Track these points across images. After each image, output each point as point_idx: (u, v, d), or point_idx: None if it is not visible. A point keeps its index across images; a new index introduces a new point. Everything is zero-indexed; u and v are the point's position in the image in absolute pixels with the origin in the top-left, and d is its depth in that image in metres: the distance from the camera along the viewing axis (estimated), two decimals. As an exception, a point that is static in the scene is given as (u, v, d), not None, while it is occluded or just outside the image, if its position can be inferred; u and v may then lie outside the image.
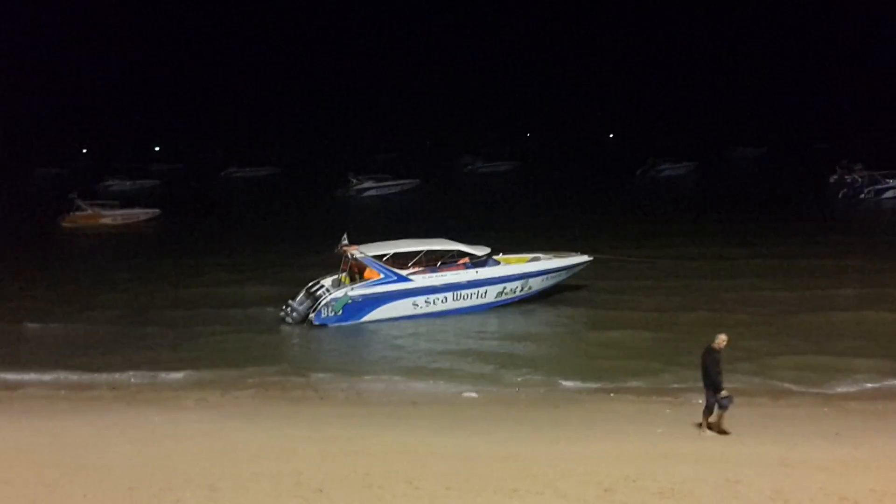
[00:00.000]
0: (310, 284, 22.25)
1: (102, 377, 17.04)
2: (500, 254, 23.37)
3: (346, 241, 21.95)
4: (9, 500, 9.02)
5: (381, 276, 21.46)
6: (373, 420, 13.51)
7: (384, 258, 21.75)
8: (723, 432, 12.00)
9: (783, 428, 12.63)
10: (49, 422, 13.39)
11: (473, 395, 15.66)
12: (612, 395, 15.39)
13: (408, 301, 21.54)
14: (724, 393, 11.66)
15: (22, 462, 10.52)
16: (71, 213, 46.72)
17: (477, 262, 22.44)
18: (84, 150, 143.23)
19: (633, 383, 15.84)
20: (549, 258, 23.11)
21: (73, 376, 17.23)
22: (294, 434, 12.25)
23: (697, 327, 18.67)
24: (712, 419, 12.08)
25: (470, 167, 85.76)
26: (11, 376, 17.28)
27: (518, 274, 22.44)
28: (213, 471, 10.09)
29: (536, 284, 22.68)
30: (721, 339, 11.85)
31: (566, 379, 16.24)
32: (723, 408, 11.81)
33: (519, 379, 16.47)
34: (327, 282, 22.10)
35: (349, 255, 21.80)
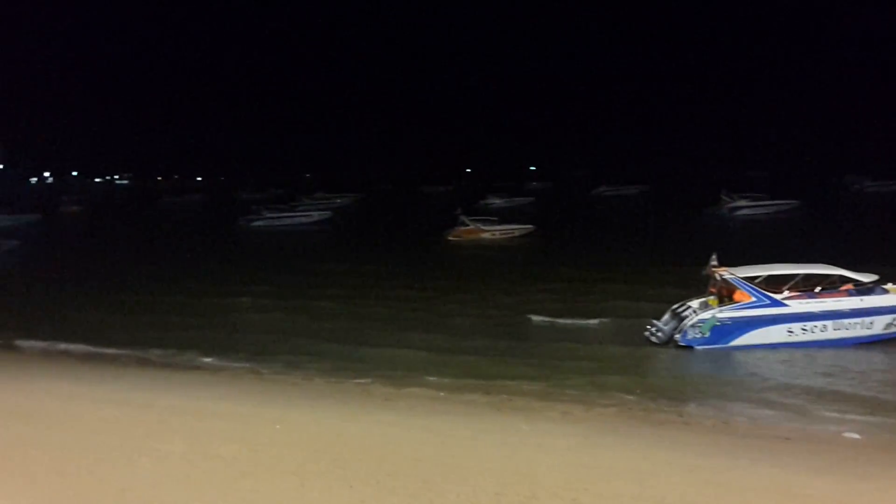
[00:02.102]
0: (675, 305, 21.81)
1: (478, 382, 18.15)
2: (891, 283, 21.02)
3: (715, 262, 21.21)
4: (391, 491, 9.97)
5: (753, 299, 20.37)
6: (740, 452, 12.83)
7: (756, 280, 20.64)
8: None
9: None
10: (429, 420, 14.50)
11: (855, 436, 14.20)
12: None
13: (782, 327, 20.19)
14: None
15: (405, 457, 11.53)
16: (456, 228, 50.70)
17: (862, 290, 20.39)
18: (468, 170, 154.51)
19: None
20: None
21: (447, 380, 18.42)
22: (656, 457, 12.06)
23: None
24: None
25: (857, 186, 78.11)
26: (398, 373, 19.15)
27: (913, 304, 20.02)
28: (576, 485, 10.27)
29: (936, 320, 20.04)
30: None
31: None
32: None
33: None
34: (694, 303, 21.49)
35: (718, 277, 21.03)
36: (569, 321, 24.09)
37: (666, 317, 21.65)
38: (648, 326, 21.57)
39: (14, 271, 43.57)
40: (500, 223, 52.23)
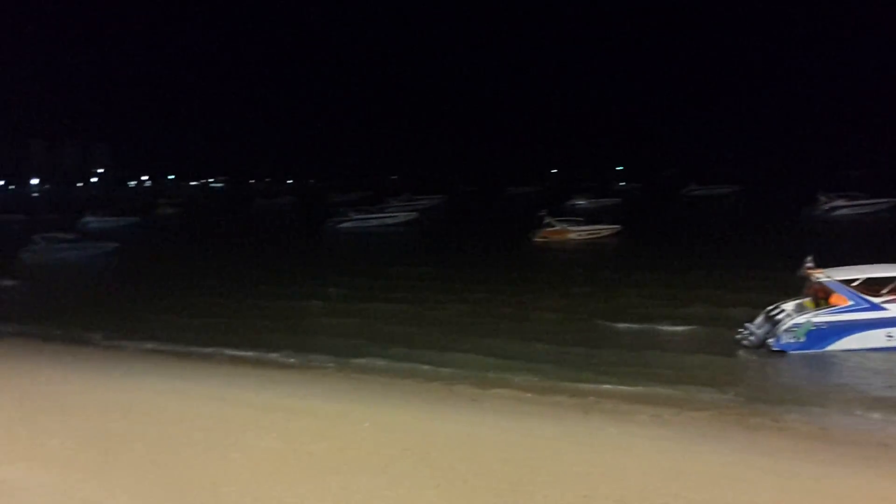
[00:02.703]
0: (769, 308, 21.19)
1: (564, 384, 18.01)
2: None
3: (810, 263, 20.53)
4: (478, 492, 9.98)
5: (850, 302, 19.62)
6: (837, 459, 12.38)
7: (854, 283, 19.89)
8: None
9: None
10: (515, 421, 14.46)
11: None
12: None
13: (880, 332, 19.38)
14: None
15: (492, 458, 11.52)
16: (542, 229, 50.42)
17: (967, 292, 19.45)
18: (553, 171, 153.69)
19: None
20: None
21: (533, 382, 18.32)
22: (750, 463, 11.73)
23: None
24: None
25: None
26: (484, 374, 19.18)
27: None
28: (665, 490, 10.09)
29: None
30: None
31: None
32: None
33: None
34: (789, 306, 20.83)
35: (814, 279, 20.34)
36: (658, 325, 23.67)
37: (759, 320, 21.06)
38: (741, 330, 21.03)
39: (113, 272, 45.42)
40: (586, 224, 51.74)
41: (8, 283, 38.62)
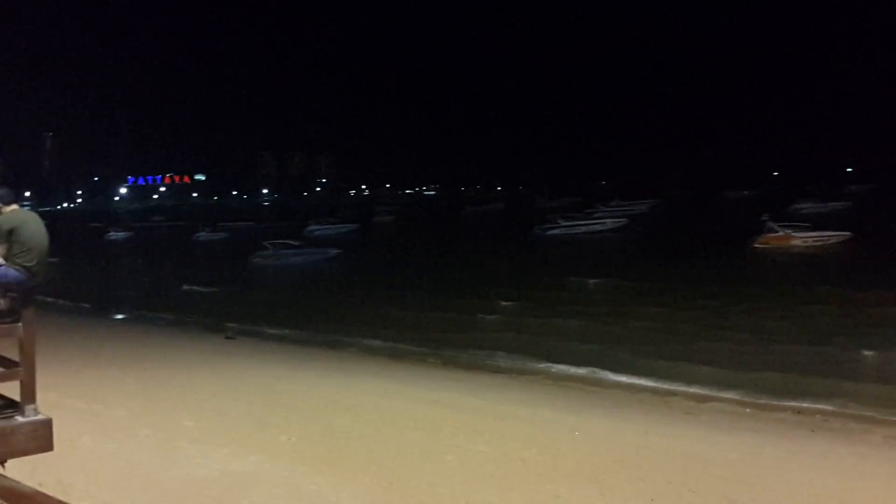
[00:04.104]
0: None
1: (787, 401, 17.01)
2: None
3: None
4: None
5: None
6: None
7: None
8: None
9: None
10: (733, 437, 13.80)
11: None
12: None
13: None
14: None
15: (709, 474, 11.07)
16: (763, 235, 47.94)
17: None
18: (775, 173, 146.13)
19: None
20: None
21: (752, 396, 17.50)
22: None
23: None
24: None
25: None
26: (699, 386, 18.51)
27: None
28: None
29: None
30: None
31: None
32: None
33: None
34: None
35: None
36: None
37: None
38: None
39: (336, 276, 48.09)
40: (812, 230, 48.56)
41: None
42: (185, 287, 43.69)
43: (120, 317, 34.41)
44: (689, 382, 18.82)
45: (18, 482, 1.84)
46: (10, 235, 7.66)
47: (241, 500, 9.42)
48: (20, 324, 7.24)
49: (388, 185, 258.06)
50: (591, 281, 37.44)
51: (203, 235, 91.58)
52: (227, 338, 26.75)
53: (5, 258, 7.69)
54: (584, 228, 69.78)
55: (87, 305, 36.66)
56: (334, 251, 57.91)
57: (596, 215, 78.94)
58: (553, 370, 20.79)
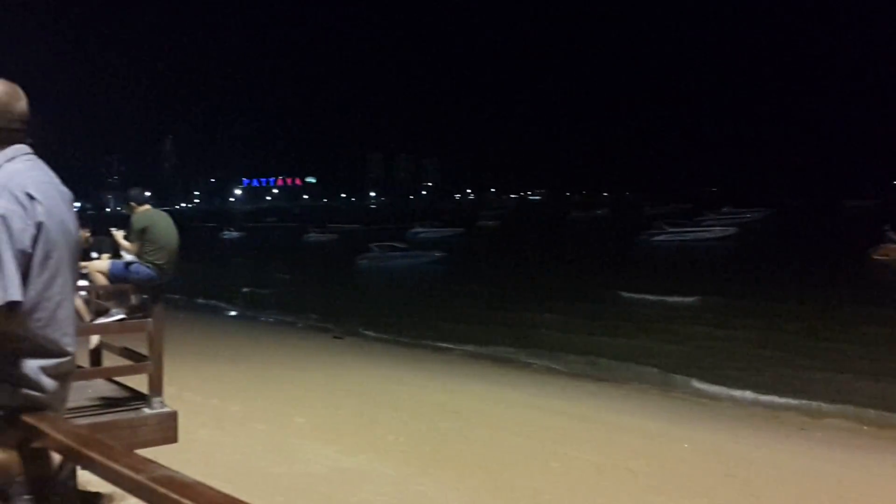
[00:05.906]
0: None
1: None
2: None
3: None
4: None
5: None
6: None
7: None
8: None
9: None
10: (848, 455, 13.29)
11: None
12: None
13: None
14: None
15: (824, 494, 10.70)
16: (883, 245, 45.80)
17: None
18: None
19: None
20: None
21: (872, 414, 16.70)
22: None
23: None
24: None
25: None
26: (816, 402, 17.80)
27: None
28: None
29: None
30: None
31: None
32: None
33: None
34: None
35: None
36: None
37: None
38: None
39: (441, 278, 48.47)
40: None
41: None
42: (292, 286, 45.01)
43: (233, 313, 35.69)
44: (802, 397, 18.14)
45: (178, 472, 1.97)
46: (142, 234, 8.10)
47: (350, 497, 9.65)
48: (150, 319, 7.65)
49: (493, 190, 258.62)
50: (693, 295, 36.38)
51: (312, 236, 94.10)
52: (335, 337, 27.38)
53: (137, 256, 8.13)
54: (690, 236, 68.11)
55: (201, 301, 38.12)
56: (439, 254, 58.41)
57: (703, 223, 76.87)
58: (659, 380, 20.40)
